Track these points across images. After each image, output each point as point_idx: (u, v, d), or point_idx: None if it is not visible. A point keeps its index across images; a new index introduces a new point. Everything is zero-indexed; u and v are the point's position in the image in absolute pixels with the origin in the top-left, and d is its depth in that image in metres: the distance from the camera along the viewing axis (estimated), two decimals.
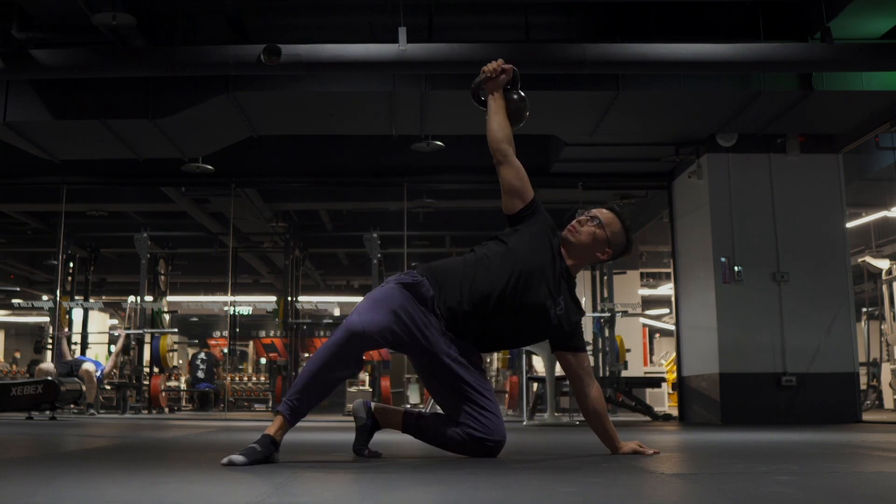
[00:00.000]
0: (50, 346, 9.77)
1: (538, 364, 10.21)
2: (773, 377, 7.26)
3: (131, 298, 11.33)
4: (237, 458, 2.37)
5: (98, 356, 11.38)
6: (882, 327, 11.94)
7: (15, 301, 13.26)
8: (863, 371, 9.93)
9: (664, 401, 12.34)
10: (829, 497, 1.67)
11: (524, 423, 7.49)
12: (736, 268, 7.45)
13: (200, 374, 12.79)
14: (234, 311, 13.58)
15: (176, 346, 13.22)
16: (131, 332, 10.49)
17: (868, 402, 10.98)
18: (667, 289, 15.25)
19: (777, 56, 5.99)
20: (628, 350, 10.86)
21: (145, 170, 8.71)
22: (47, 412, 7.62)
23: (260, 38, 6.20)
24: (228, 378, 13.97)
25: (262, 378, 15.91)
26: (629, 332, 11.94)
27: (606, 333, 10.25)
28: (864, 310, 12.35)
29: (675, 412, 9.09)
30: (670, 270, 8.89)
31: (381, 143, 8.60)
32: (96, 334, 13.43)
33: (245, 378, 16.04)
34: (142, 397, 10.92)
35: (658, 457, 2.72)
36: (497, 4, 6.61)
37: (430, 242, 12.83)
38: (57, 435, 4.61)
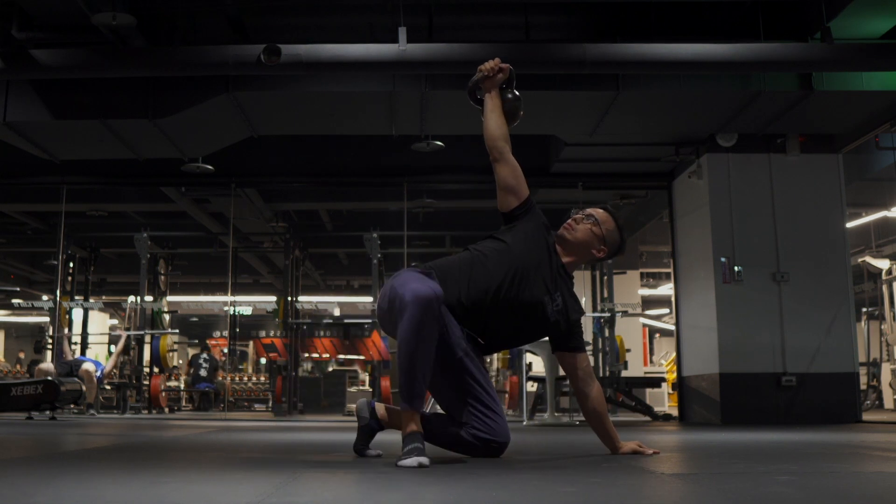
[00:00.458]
0: (50, 346, 9.77)
1: (537, 365, 10.20)
2: (773, 377, 7.26)
3: (131, 298, 11.34)
4: (423, 459, 2.33)
5: (98, 356, 11.38)
6: (882, 327, 11.95)
7: (15, 301, 13.26)
8: (863, 371, 9.93)
9: (664, 401, 12.34)
10: (829, 497, 1.67)
11: (524, 423, 7.49)
12: (736, 268, 7.45)
13: (203, 373, 12.80)
14: (234, 311, 13.58)
15: (176, 346, 13.23)
16: (131, 332, 10.49)
17: (868, 402, 10.98)
18: (667, 289, 15.25)
19: (777, 56, 5.99)
20: (628, 350, 10.86)
21: (145, 170, 8.72)
22: (47, 412, 7.62)
23: (260, 38, 6.20)
24: (228, 378, 13.98)
25: (262, 378, 15.91)
26: (629, 332, 11.94)
27: (606, 333, 10.25)
28: (864, 310, 12.35)
29: (675, 412, 9.10)
30: (670, 270, 8.89)
31: (381, 143, 8.60)
32: (96, 335, 13.43)
33: (245, 378, 16.05)
34: (142, 397, 10.92)
35: (658, 457, 2.72)
36: (497, 4, 6.61)
37: (430, 242, 12.84)
38: (57, 435, 4.61)
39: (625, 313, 10.52)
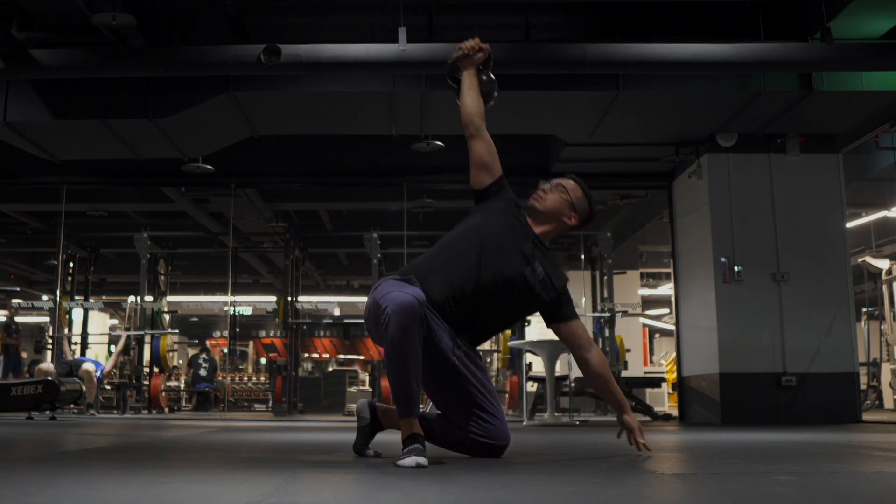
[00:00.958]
0: (50, 346, 9.77)
1: (537, 365, 10.20)
2: (773, 377, 7.26)
3: (131, 298, 11.33)
4: (421, 460, 2.33)
5: (98, 356, 11.38)
6: (882, 327, 11.95)
7: (15, 301, 13.26)
8: (863, 371, 9.93)
9: (664, 401, 12.35)
10: (829, 497, 1.67)
11: (524, 423, 7.49)
12: (736, 268, 7.45)
13: (203, 373, 12.80)
14: (234, 311, 13.59)
15: (176, 346, 13.23)
16: (131, 332, 10.49)
17: (868, 402, 10.98)
18: (667, 289, 15.25)
19: (777, 56, 5.99)
20: (628, 350, 10.86)
21: (145, 170, 8.72)
22: (47, 412, 7.62)
23: (260, 38, 6.20)
24: (228, 378, 13.97)
25: (262, 378, 15.92)
26: (629, 332, 11.94)
27: (606, 333, 10.25)
28: (864, 310, 12.35)
29: (675, 412, 9.09)
30: (670, 270, 8.89)
31: (381, 143, 8.60)
32: (96, 335, 13.43)
33: (245, 378, 16.05)
34: (142, 397, 10.92)
35: (658, 457, 2.72)
36: (497, 4, 6.61)
37: (430, 242, 12.72)
38: (57, 435, 4.61)
39: (625, 313, 10.52)
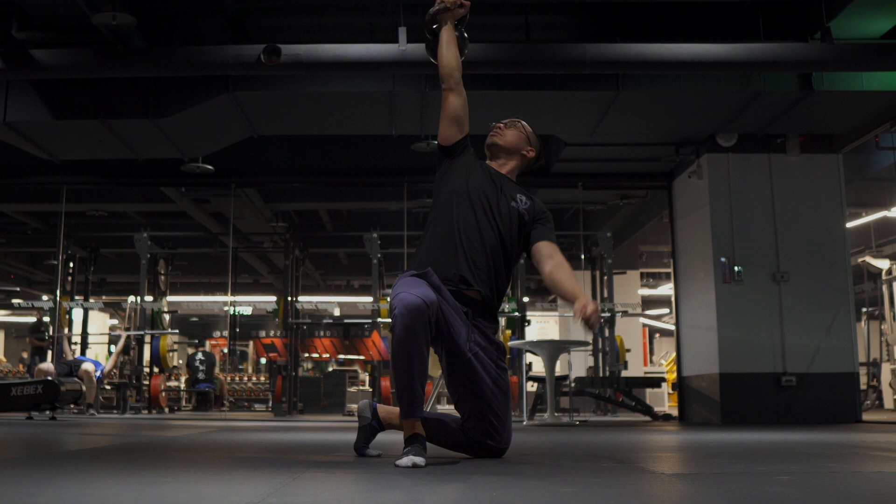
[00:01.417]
0: (50, 347, 9.77)
1: (537, 365, 10.20)
2: (773, 377, 7.26)
3: (131, 298, 11.32)
4: (418, 459, 2.35)
5: (98, 356, 11.38)
6: (882, 327, 11.95)
7: (15, 301, 13.27)
8: (863, 371, 9.93)
9: (664, 401, 12.35)
10: (829, 497, 1.67)
11: (524, 423, 7.49)
12: (736, 268, 7.45)
13: (201, 375, 12.78)
14: (234, 311, 13.57)
15: (176, 346, 13.21)
16: (131, 332, 10.49)
17: (868, 402, 10.98)
18: (667, 289, 15.25)
19: (777, 56, 5.99)
20: (628, 350, 10.86)
21: (145, 170, 8.72)
22: (47, 412, 7.62)
23: (260, 38, 6.20)
24: (228, 378, 13.96)
25: (262, 378, 15.90)
26: (629, 332, 11.95)
27: (606, 333, 10.25)
28: (864, 310, 12.35)
29: (675, 412, 9.09)
30: (670, 270, 8.89)
31: (380, 143, 8.60)
32: (96, 335, 13.43)
33: (245, 378, 16.04)
34: (142, 397, 10.92)
35: (658, 457, 2.72)
36: (497, 4, 6.60)
37: None
38: (57, 435, 4.61)
39: (625, 313, 10.53)
